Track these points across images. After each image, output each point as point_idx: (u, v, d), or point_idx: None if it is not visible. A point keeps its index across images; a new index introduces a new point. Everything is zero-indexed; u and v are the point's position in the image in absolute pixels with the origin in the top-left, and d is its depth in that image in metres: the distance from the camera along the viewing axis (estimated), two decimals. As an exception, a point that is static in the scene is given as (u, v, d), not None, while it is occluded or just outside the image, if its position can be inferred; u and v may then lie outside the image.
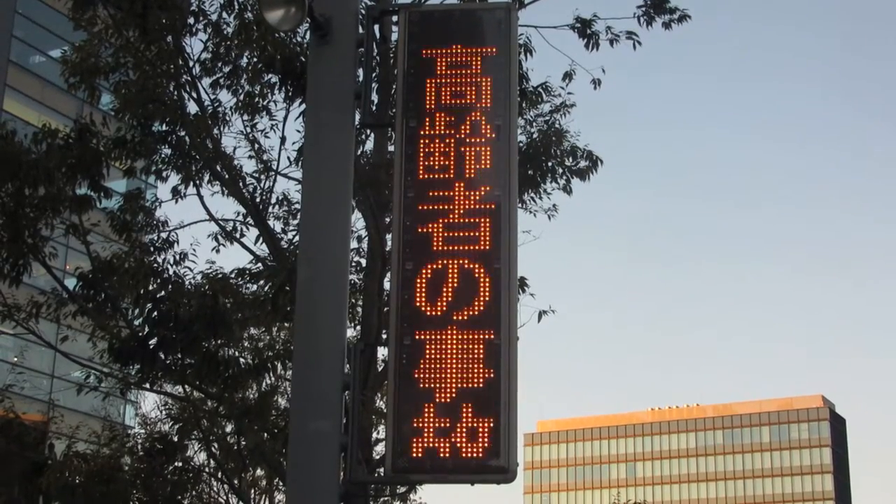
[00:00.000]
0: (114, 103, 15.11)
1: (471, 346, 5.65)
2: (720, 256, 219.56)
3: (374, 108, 6.48)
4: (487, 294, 5.72)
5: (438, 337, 5.68)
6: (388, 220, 13.62)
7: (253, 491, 22.40)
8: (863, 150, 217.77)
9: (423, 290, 5.76)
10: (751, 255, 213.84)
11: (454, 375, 5.62)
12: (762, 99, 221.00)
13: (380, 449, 15.81)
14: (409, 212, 5.88)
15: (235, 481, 20.64)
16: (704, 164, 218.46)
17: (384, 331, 13.05)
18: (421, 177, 5.93)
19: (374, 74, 6.49)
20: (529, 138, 15.27)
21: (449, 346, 5.66)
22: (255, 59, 14.24)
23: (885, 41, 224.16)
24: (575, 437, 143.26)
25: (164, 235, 14.90)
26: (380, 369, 14.41)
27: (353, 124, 6.27)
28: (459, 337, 5.67)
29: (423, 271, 5.79)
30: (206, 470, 20.96)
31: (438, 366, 5.64)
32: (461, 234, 5.83)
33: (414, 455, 5.55)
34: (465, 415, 5.57)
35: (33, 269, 14.04)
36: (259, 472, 21.95)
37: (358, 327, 14.34)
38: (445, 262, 5.79)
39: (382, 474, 5.79)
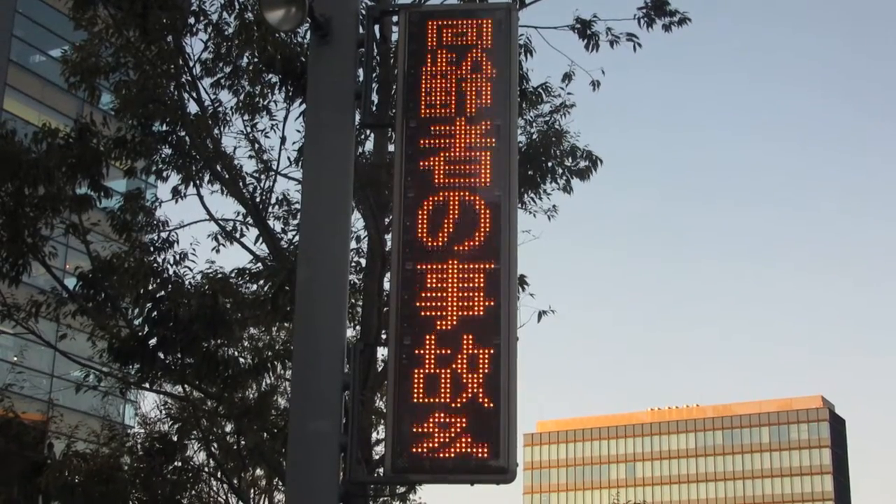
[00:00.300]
0: (114, 103, 15.11)
1: (471, 276, 5.74)
2: (720, 256, 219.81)
3: (374, 108, 6.48)
4: (488, 226, 5.82)
5: (439, 267, 5.77)
6: (388, 220, 13.62)
7: (253, 491, 22.42)
8: (863, 150, 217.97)
9: (425, 222, 5.85)
10: (751, 256, 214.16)
11: (455, 304, 5.70)
12: (762, 100, 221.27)
13: (380, 449, 15.81)
14: (409, 212, 5.89)
15: (235, 481, 20.65)
16: (704, 164, 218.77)
17: (384, 331, 13.05)
18: (423, 114, 6.03)
19: (374, 74, 6.50)
20: (529, 139, 15.28)
21: (450, 277, 5.75)
22: (255, 59, 14.24)
23: (885, 41, 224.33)
24: (575, 437, 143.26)
25: (164, 235, 14.93)
26: (380, 369, 14.41)
27: (353, 124, 6.27)
28: (460, 267, 5.75)
29: (425, 204, 5.88)
30: (206, 470, 20.96)
31: (439, 294, 5.72)
32: (462, 167, 5.93)
33: (415, 387, 5.60)
34: (465, 343, 5.65)
35: (33, 268, 14.05)
36: (259, 471, 21.96)
37: (358, 327, 14.34)
38: (446, 194, 5.88)
39: (382, 474, 5.78)
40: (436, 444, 5.55)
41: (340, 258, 6.02)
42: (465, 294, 5.71)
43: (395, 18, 6.43)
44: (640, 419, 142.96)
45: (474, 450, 5.52)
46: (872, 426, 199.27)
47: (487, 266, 5.75)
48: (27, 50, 44.46)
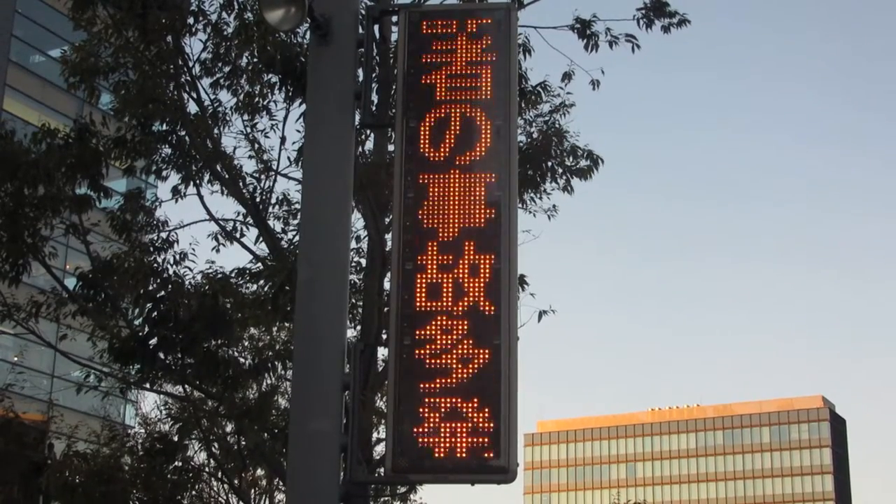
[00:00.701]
0: (113, 103, 15.10)
1: (472, 188, 5.87)
2: (721, 257, 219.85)
3: (374, 108, 6.48)
4: (488, 139, 5.93)
5: (441, 179, 5.88)
6: (388, 220, 13.61)
7: (253, 491, 22.41)
8: (864, 150, 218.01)
9: (427, 137, 5.97)
10: (751, 256, 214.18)
11: (457, 215, 5.82)
12: (763, 99, 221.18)
13: (380, 449, 15.81)
14: (410, 211, 5.89)
15: (235, 481, 20.65)
16: (705, 164, 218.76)
17: (384, 331, 13.04)
18: (424, 31, 6.16)
19: (374, 74, 6.50)
20: (529, 138, 15.26)
21: (451, 188, 5.87)
22: (255, 59, 14.24)
23: (887, 40, 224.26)
24: (575, 437, 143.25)
25: (164, 235, 14.91)
26: (380, 369, 14.41)
27: (353, 124, 6.27)
28: (462, 178, 5.86)
29: (427, 117, 6.00)
30: (206, 470, 20.97)
31: (441, 205, 5.84)
32: (463, 83, 6.04)
33: (417, 293, 5.70)
34: (466, 251, 5.77)
35: (33, 268, 14.06)
36: (259, 472, 21.95)
37: (358, 327, 14.33)
38: (448, 109, 6.00)
39: (382, 474, 5.78)
40: (437, 348, 5.63)
41: (340, 258, 6.02)
42: (467, 204, 5.84)
43: (394, 18, 6.44)
44: (640, 419, 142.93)
45: (475, 352, 5.62)
46: (872, 426, 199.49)
47: (488, 178, 5.88)
48: (27, 50, 44.47)
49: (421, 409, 5.58)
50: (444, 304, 5.70)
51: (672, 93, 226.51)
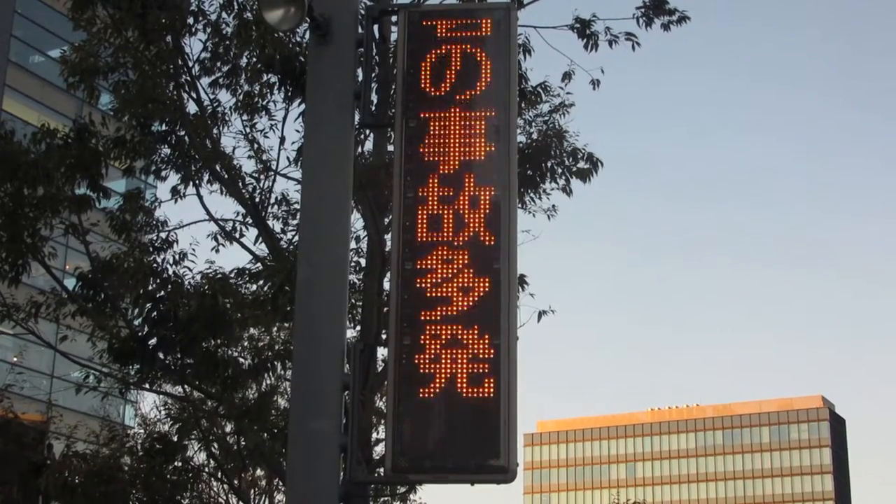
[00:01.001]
0: (113, 103, 15.11)
1: (473, 123, 5.97)
2: (720, 256, 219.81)
3: (373, 108, 6.48)
4: (488, 76, 6.04)
5: (442, 115, 5.99)
6: (387, 220, 13.61)
7: (253, 491, 22.40)
8: (864, 150, 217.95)
9: (428, 74, 6.08)
10: (751, 255, 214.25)
11: (457, 150, 5.92)
12: (763, 98, 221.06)
13: (380, 449, 15.81)
14: (409, 211, 5.89)
15: (235, 481, 20.64)
16: (704, 163, 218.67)
17: (384, 331, 13.04)
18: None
19: (373, 74, 6.51)
20: (529, 139, 15.25)
21: (452, 123, 5.97)
22: (254, 59, 14.23)
23: (887, 39, 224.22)
24: (575, 437, 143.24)
25: (163, 235, 14.91)
26: (380, 369, 14.40)
27: (352, 124, 6.27)
28: (462, 114, 5.97)
29: (428, 57, 6.10)
30: (206, 470, 20.95)
31: (442, 141, 5.94)
32: (464, 21, 6.17)
33: (419, 225, 5.77)
34: (466, 184, 5.86)
35: (32, 268, 14.05)
36: (259, 472, 21.94)
37: (358, 327, 14.33)
38: (449, 47, 6.11)
39: (382, 474, 5.78)
40: (438, 278, 5.72)
41: (340, 258, 6.02)
42: (467, 139, 5.92)
43: (394, 18, 6.44)
44: (640, 419, 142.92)
45: (476, 281, 5.70)
46: (872, 426, 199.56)
47: (488, 113, 5.98)
48: (26, 50, 44.47)
49: (422, 338, 5.65)
50: (445, 235, 5.78)
51: (672, 91, 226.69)
